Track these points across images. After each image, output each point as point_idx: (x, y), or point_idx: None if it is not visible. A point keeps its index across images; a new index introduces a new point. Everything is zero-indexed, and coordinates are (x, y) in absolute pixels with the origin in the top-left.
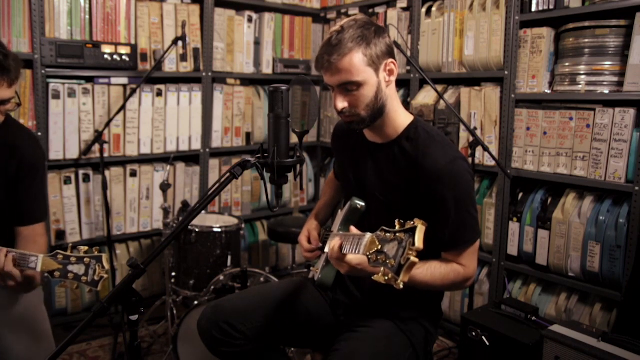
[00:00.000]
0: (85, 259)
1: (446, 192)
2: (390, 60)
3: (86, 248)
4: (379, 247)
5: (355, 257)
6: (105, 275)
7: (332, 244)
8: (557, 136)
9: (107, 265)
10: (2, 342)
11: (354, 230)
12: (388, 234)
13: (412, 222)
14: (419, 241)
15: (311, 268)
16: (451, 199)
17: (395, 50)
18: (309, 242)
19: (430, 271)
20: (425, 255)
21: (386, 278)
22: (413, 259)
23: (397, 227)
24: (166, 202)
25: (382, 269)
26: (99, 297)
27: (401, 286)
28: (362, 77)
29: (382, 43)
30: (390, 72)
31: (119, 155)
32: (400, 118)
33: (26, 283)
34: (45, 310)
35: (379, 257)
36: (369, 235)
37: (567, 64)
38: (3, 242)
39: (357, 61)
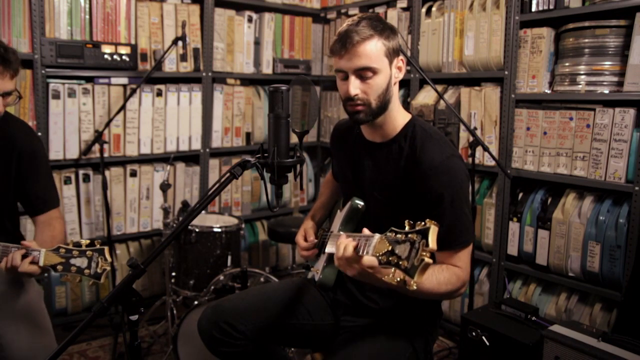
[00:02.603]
0: (87, 252)
1: (442, 188)
2: (401, 57)
3: (88, 241)
4: (390, 248)
5: (369, 259)
6: (108, 268)
7: (345, 244)
8: (557, 136)
9: (109, 258)
10: (4, 339)
11: (365, 231)
12: (399, 235)
13: (424, 223)
14: (432, 242)
15: (311, 268)
16: (447, 196)
17: None
18: (306, 241)
19: (434, 277)
20: None
21: (398, 279)
22: (427, 259)
23: (407, 228)
24: (166, 202)
25: (393, 270)
26: (99, 297)
27: (414, 287)
28: (379, 65)
29: (395, 40)
30: (399, 69)
31: (119, 155)
32: (399, 117)
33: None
34: (45, 307)
35: (390, 259)
36: (377, 236)
37: (567, 64)
38: (9, 235)
39: (378, 48)
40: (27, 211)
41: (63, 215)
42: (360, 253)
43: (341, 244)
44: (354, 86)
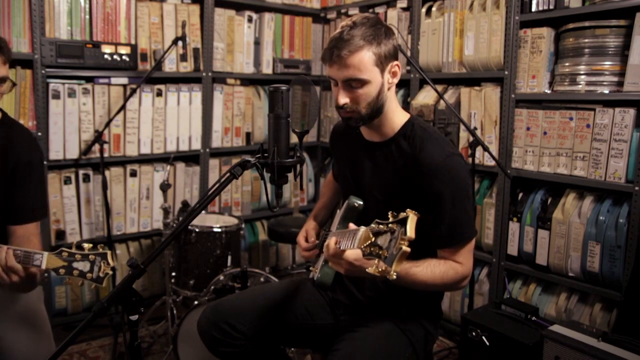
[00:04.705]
0: (90, 256)
1: (442, 187)
2: (396, 62)
3: (90, 245)
4: (373, 240)
5: (352, 252)
6: (110, 272)
7: (328, 242)
8: (557, 136)
9: (112, 262)
10: (3, 342)
11: (352, 226)
12: (381, 226)
13: (404, 213)
14: (410, 230)
15: (310, 268)
16: (447, 194)
17: None
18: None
19: (430, 269)
20: (423, 254)
21: (380, 270)
22: (405, 248)
23: (390, 219)
24: (166, 202)
25: (376, 261)
26: (99, 297)
27: (394, 277)
28: (368, 76)
29: (390, 44)
30: (394, 75)
31: (119, 155)
32: (398, 117)
33: (28, 281)
34: (45, 310)
35: (372, 250)
36: (363, 228)
37: (567, 64)
38: (3, 240)
39: (366, 59)
40: (6, 218)
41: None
42: (349, 246)
43: (326, 243)
44: (342, 96)
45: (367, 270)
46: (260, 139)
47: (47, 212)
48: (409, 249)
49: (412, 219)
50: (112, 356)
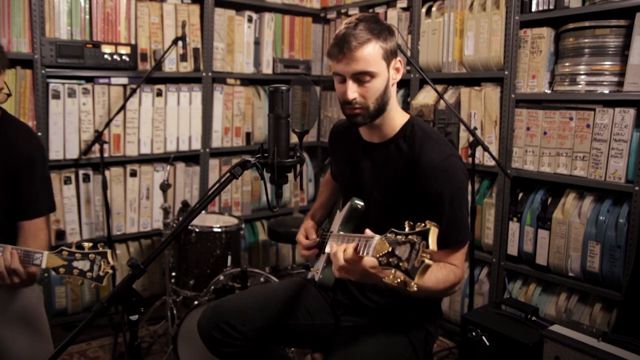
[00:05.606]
0: (90, 255)
1: (441, 188)
2: (398, 59)
3: (91, 244)
4: (390, 249)
5: (369, 260)
6: (110, 271)
7: (344, 247)
8: (557, 136)
9: (112, 261)
10: (1, 342)
11: (368, 232)
12: (399, 236)
13: (424, 224)
14: (432, 243)
15: (310, 268)
16: (446, 196)
17: None
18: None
19: (433, 274)
20: None
21: (398, 281)
22: (428, 261)
23: (407, 229)
24: (166, 202)
25: (393, 271)
26: (99, 297)
27: (415, 289)
28: (377, 69)
29: (393, 41)
30: (397, 71)
31: (119, 155)
32: (397, 117)
33: (27, 280)
34: (44, 311)
35: (390, 260)
36: (377, 237)
37: (567, 64)
38: (5, 237)
39: (375, 52)
40: (14, 215)
41: (49, 222)
42: (360, 254)
43: (340, 249)
44: (352, 90)
45: (383, 280)
46: (260, 139)
47: (53, 205)
48: (432, 262)
49: (433, 231)
50: (112, 356)
